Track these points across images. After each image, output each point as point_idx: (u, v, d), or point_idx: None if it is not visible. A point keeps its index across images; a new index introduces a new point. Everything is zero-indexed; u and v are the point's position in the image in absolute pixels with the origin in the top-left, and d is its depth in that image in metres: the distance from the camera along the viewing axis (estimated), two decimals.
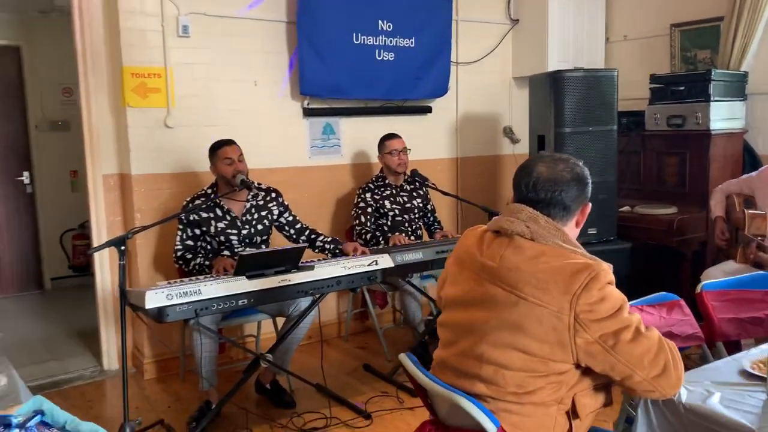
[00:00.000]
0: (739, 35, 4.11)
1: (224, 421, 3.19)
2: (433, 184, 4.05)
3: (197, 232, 3.31)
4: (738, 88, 4.14)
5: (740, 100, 4.15)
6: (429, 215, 4.21)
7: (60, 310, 5.18)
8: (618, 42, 5.03)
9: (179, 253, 3.29)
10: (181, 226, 3.31)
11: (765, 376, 1.57)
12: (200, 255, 3.27)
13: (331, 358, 4.04)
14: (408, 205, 4.06)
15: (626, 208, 4.25)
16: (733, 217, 3.45)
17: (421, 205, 4.13)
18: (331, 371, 3.77)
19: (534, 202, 1.61)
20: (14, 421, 1.36)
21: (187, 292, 2.67)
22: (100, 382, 3.79)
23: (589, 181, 1.66)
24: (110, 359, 3.91)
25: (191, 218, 3.28)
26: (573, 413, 1.56)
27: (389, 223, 4.00)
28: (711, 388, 1.60)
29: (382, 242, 3.90)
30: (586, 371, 1.55)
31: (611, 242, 3.95)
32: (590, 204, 1.67)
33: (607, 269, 1.51)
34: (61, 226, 5.84)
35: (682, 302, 2.36)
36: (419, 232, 4.16)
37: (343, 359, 4.07)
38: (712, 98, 3.97)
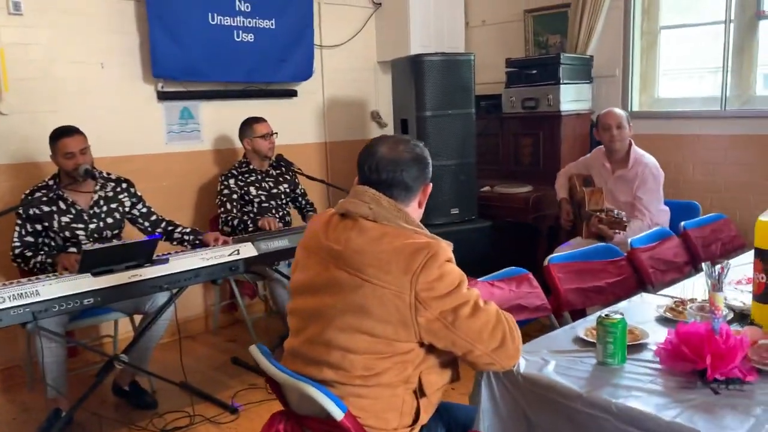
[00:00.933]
0: (584, 21, 4.36)
1: (77, 428, 2.98)
2: (299, 168, 3.99)
3: (38, 227, 3.03)
4: (585, 72, 4.40)
5: (587, 83, 4.42)
6: (300, 199, 4.14)
7: None
8: (477, 27, 5.18)
9: (17, 251, 3.00)
10: (19, 222, 3.02)
11: (595, 341, 1.66)
12: (42, 252, 3.01)
13: (198, 354, 3.89)
14: (274, 190, 3.96)
15: (486, 188, 4.40)
16: (576, 196, 3.67)
17: (288, 190, 4.04)
18: (198, 367, 3.63)
19: (376, 183, 1.59)
20: None
21: (22, 293, 2.43)
22: None
23: (430, 161, 1.67)
24: None
25: (31, 213, 3.00)
26: (420, 392, 1.58)
27: (255, 209, 3.89)
28: (547, 356, 1.68)
29: (251, 227, 3.78)
30: (431, 349, 1.57)
31: (472, 221, 4.08)
32: (431, 184, 1.69)
33: (446, 247, 1.53)
34: None
35: (530, 276, 2.47)
36: (288, 218, 4.07)
37: (211, 354, 3.93)
38: (561, 81, 4.19)
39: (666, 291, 2.27)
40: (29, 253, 3.00)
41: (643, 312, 2.00)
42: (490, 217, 4.20)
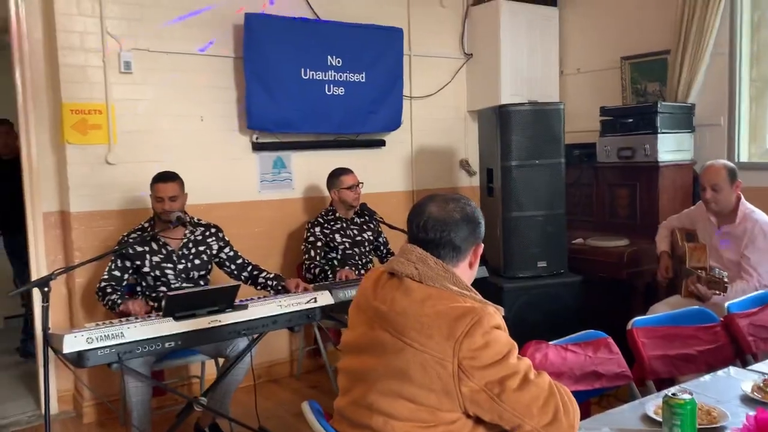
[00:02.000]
0: (685, 68, 4.15)
1: None
2: (380, 217, 4.02)
3: (127, 264, 3.24)
4: (685, 120, 4.16)
5: (688, 132, 4.17)
6: (382, 248, 4.16)
7: (10, 351, 5.03)
8: (572, 75, 5.07)
9: (102, 284, 3.21)
10: (112, 258, 3.24)
11: (661, 420, 1.51)
12: (118, 292, 3.18)
13: (280, 398, 3.94)
14: (358, 238, 4.01)
15: (578, 241, 4.22)
16: (677, 252, 3.43)
17: (371, 238, 4.08)
18: (278, 412, 3.67)
19: (425, 243, 1.56)
20: None
21: (108, 335, 2.57)
22: (37, 427, 3.65)
23: (482, 221, 1.62)
24: (50, 403, 3.77)
25: (124, 251, 3.21)
26: None
27: (339, 256, 3.95)
28: None
29: (330, 277, 3.84)
30: (479, 420, 1.49)
31: (561, 275, 3.90)
32: (482, 245, 1.63)
33: (493, 313, 1.46)
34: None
35: (610, 340, 2.31)
36: (370, 265, 4.10)
37: (293, 399, 3.96)
38: (659, 130, 3.98)
39: (760, 365, 2.04)
40: (109, 290, 3.18)
41: (727, 389, 1.81)
42: (581, 271, 4.00)
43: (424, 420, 1.45)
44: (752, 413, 1.48)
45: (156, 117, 3.81)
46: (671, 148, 4.05)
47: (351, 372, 1.60)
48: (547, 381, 1.46)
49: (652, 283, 4.05)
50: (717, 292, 2.94)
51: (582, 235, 4.29)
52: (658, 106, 4.00)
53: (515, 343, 1.47)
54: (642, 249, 3.97)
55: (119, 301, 3.12)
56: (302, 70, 4.14)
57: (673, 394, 1.47)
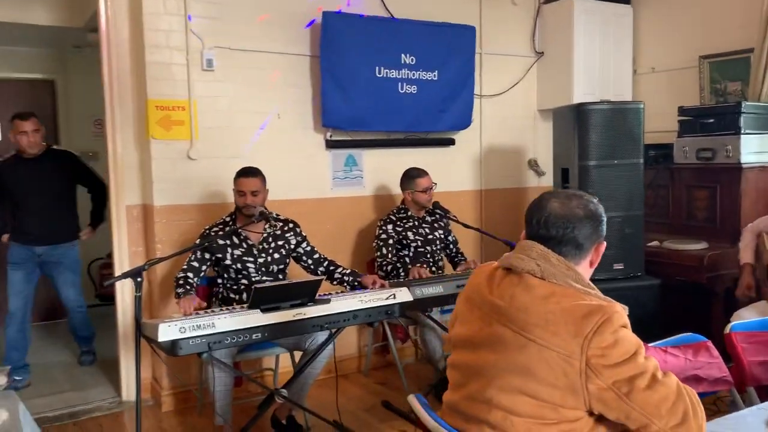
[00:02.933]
0: None
1: None
2: (454, 216, 4.01)
3: (207, 256, 3.31)
4: None
5: None
6: (451, 247, 4.16)
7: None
8: (646, 74, 4.96)
9: (180, 274, 3.27)
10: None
11: None
12: (189, 284, 3.21)
13: (349, 394, 3.97)
14: (430, 236, 4.01)
15: (654, 243, 4.13)
16: (764, 257, 3.33)
17: (442, 236, 4.08)
18: (349, 407, 3.70)
19: (545, 239, 1.55)
20: None
21: (200, 325, 2.65)
22: (118, 414, 3.77)
23: (604, 218, 1.60)
24: (129, 390, 3.89)
25: (206, 244, 3.28)
26: None
27: (411, 254, 3.96)
28: None
29: (402, 274, 3.85)
30: (600, 419, 1.47)
31: (638, 278, 3.83)
32: (605, 243, 1.61)
33: (621, 311, 1.44)
34: (90, 255, 5.91)
35: (710, 344, 2.25)
36: (441, 263, 4.10)
37: (362, 395, 3.99)
38: (742, 131, 3.87)
39: None
40: (181, 281, 3.22)
41: None
42: (658, 274, 3.92)
43: (545, 417, 1.44)
44: None
45: (235, 114, 3.88)
46: (756, 149, 3.93)
47: (465, 367, 1.60)
48: (675, 381, 1.44)
49: (732, 288, 3.93)
50: None
51: (657, 237, 4.20)
52: (742, 106, 3.89)
53: (642, 343, 1.45)
54: (723, 253, 3.86)
55: (181, 293, 3.14)
56: (377, 68, 4.16)
57: None
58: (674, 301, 3.90)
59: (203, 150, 3.79)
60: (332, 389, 3.66)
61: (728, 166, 3.94)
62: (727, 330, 2.38)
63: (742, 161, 3.88)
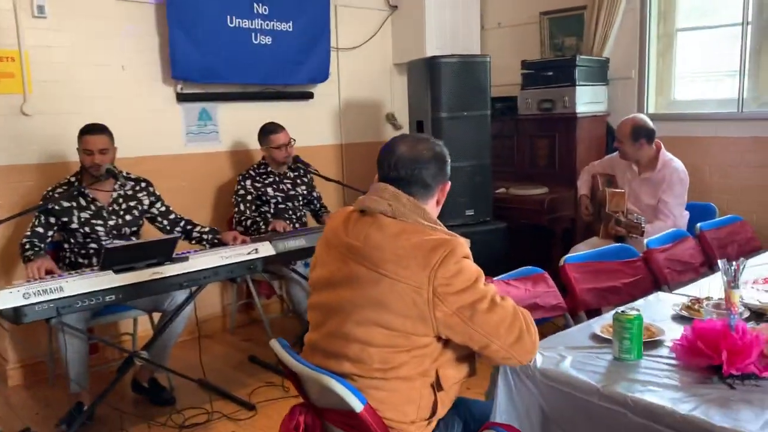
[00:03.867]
0: (600, 23, 4.36)
1: (98, 423, 3.03)
2: (315, 170, 4.03)
3: (52, 220, 3.09)
4: (600, 74, 4.40)
5: (603, 85, 4.42)
6: (315, 202, 4.18)
7: None
8: (493, 29, 5.20)
9: (23, 240, 3.04)
10: (36, 214, 3.08)
11: (611, 338, 1.68)
12: (36, 248, 3.01)
13: (215, 352, 3.94)
14: (291, 192, 4.01)
15: (501, 190, 4.42)
16: (597, 195, 3.68)
17: (305, 192, 4.08)
18: (215, 365, 3.67)
19: (396, 181, 1.63)
20: None
21: (46, 289, 2.48)
22: None
23: (448, 160, 1.70)
24: None
25: (50, 207, 3.06)
26: (438, 385, 1.60)
27: (272, 210, 3.93)
28: (564, 352, 1.70)
29: (264, 228, 3.83)
30: (447, 343, 1.59)
31: (487, 223, 4.10)
32: (449, 183, 1.71)
33: (463, 243, 1.55)
34: None
35: (546, 275, 2.49)
36: (304, 219, 4.12)
37: (229, 352, 3.97)
38: (577, 83, 4.20)
39: (682, 290, 2.28)
40: (27, 246, 3.01)
41: (659, 310, 2.01)
42: (506, 218, 4.22)
43: (398, 345, 1.54)
44: (687, 327, 1.66)
45: (74, 65, 3.60)
46: (588, 100, 4.29)
47: (324, 306, 1.66)
48: (512, 304, 1.58)
49: (570, 228, 4.33)
50: (635, 236, 3.19)
51: (504, 185, 4.49)
52: (577, 60, 4.21)
53: (482, 271, 1.57)
54: (561, 196, 4.22)
55: (31, 258, 2.94)
56: (228, 17, 4.02)
57: (623, 311, 1.64)
58: (520, 242, 4.22)
59: (39, 105, 3.49)
60: (197, 350, 3.60)
61: (565, 116, 4.27)
62: (561, 262, 2.63)
63: (578, 111, 4.22)
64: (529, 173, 4.56)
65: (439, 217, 1.71)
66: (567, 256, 2.68)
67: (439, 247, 1.51)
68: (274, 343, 1.76)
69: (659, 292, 2.27)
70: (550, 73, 4.34)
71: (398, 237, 1.54)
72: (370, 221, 1.60)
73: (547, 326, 2.50)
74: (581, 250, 3.41)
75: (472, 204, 4.06)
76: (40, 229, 3.08)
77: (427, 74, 3.96)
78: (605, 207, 3.46)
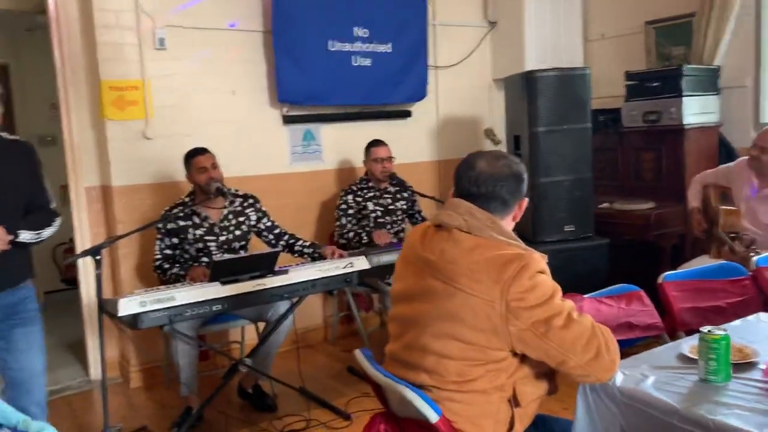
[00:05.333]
0: (710, 30, 4.15)
1: (206, 425, 3.24)
2: (410, 186, 4.12)
3: (175, 241, 3.36)
4: (710, 83, 4.17)
5: (713, 95, 4.18)
6: (417, 216, 4.26)
7: (52, 323, 5.18)
8: (596, 41, 5.08)
9: (158, 263, 3.34)
10: (159, 236, 3.37)
11: (697, 358, 1.61)
12: (177, 265, 3.33)
13: (315, 362, 4.09)
14: (391, 207, 4.11)
15: (605, 205, 4.28)
16: (709, 210, 3.47)
17: (405, 207, 4.18)
18: (314, 374, 3.81)
19: (475, 197, 1.66)
20: None
21: (160, 299, 2.72)
22: (87, 392, 3.84)
23: (525, 177, 1.71)
24: (97, 369, 3.94)
25: (169, 227, 3.33)
26: (515, 401, 1.60)
27: (371, 224, 4.05)
28: (647, 372, 1.64)
29: (365, 240, 3.95)
30: (525, 358, 1.59)
31: (589, 239, 3.97)
32: (527, 199, 1.72)
33: (539, 258, 1.56)
34: (53, 239, 5.90)
35: (642, 293, 2.40)
36: (402, 234, 4.20)
37: (328, 362, 4.11)
38: (684, 93, 4.01)
39: None
40: (167, 265, 3.33)
41: (757, 331, 1.90)
42: (609, 234, 4.07)
43: (474, 358, 1.56)
44: None
45: (190, 92, 3.91)
46: (697, 110, 4.07)
47: (403, 319, 1.72)
48: (590, 321, 1.56)
49: (679, 245, 4.11)
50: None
51: (608, 199, 4.34)
52: (683, 69, 4.02)
53: (559, 287, 1.57)
54: (669, 211, 4.03)
55: (183, 272, 3.24)
56: (328, 42, 4.21)
57: (709, 330, 1.57)
58: (624, 260, 4.05)
59: (158, 129, 3.81)
60: (297, 359, 3.76)
61: (672, 128, 4.08)
62: (660, 280, 2.52)
63: (685, 122, 4.02)
64: (634, 187, 4.39)
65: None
66: (666, 273, 2.57)
67: (513, 261, 1.53)
68: (358, 353, 1.84)
69: (761, 313, 2.12)
70: (656, 84, 4.17)
71: (472, 251, 1.57)
72: (445, 236, 1.64)
73: (640, 347, 2.41)
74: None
75: (571, 219, 3.95)
76: (168, 251, 3.37)
77: (523, 89, 3.94)
78: (717, 226, 3.26)
